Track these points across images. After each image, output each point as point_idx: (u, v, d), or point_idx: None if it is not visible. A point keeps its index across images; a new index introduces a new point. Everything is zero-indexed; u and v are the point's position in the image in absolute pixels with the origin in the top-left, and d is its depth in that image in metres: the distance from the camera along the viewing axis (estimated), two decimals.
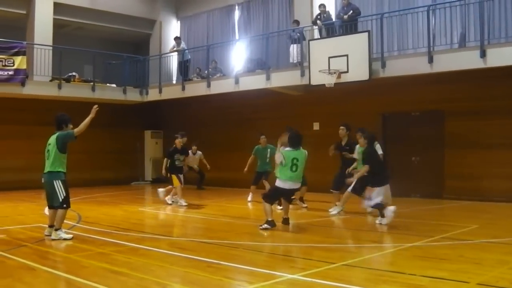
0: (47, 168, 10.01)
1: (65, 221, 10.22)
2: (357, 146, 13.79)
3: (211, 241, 10.03)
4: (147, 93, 24.72)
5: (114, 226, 11.56)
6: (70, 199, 10.07)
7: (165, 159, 16.54)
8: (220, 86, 21.73)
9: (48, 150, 10.06)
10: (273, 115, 21.15)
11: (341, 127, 14.85)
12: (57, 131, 10.22)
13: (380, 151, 14.22)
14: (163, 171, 16.51)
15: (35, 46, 21.75)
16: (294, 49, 20.26)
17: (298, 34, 20.03)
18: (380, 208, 11.76)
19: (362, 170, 12.26)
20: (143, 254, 8.79)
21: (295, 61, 20.16)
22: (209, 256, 8.23)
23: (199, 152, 21.55)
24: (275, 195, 12.11)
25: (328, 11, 19.67)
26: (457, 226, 11.43)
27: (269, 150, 16.68)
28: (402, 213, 14.39)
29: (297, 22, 20.81)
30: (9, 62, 20.30)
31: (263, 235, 11.00)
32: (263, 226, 11.30)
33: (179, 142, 16.30)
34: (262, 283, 6.63)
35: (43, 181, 10.09)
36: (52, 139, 10.09)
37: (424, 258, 8.42)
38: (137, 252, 8.98)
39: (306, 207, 15.51)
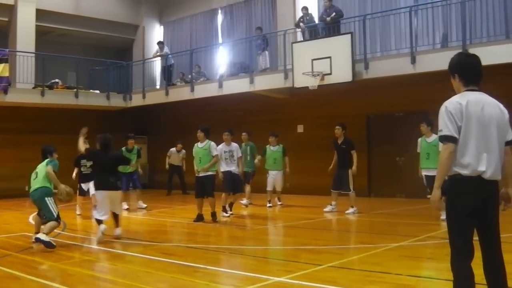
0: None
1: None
2: (420, 139, 13.35)
3: (198, 245, 10.02)
4: (130, 99, 24.66)
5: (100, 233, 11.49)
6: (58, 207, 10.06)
7: (75, 167, 15.45)
8: (203, 90, 21.72)
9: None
10: (258, 118, 21.16)
11: (337, 127, 14.77)
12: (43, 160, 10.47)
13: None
14: (73, 176, 15.39)
15: (17, 53, 21.63)
16: (261, 57, 20.59)
17: (259, 41, 20.57)
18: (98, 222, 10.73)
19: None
20: (130, 261, 8.76)
21: (263, 68, 20.36)
22: (195, 261, 8.21)
23: (183, 151, 21.59)
24: None
25: (311, 14, 19.71)
26: (443, 225, 11.46)
27: (249, 147, 16.70)
28: (388, 214, 14.44)
29: (260, 29, 21.01)
30: None
31: (249, 239, 11.01)
32: None
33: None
34: (249, 287, 6.61)
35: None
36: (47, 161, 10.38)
37: (411, 258, 8.45)
38: (123, 258, 8.94)
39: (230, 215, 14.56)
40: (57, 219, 9.84)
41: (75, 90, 23.04)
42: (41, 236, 9.48)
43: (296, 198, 18.45)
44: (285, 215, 14.95)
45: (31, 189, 10.18)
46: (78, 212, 15.44)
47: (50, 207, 9.85)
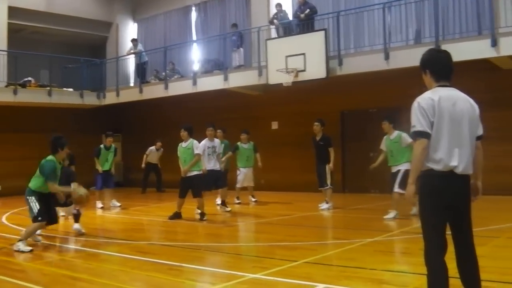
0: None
1: (22, 228, 10.14)
2: (385, 137, 12.87)
3: (173, 243, 10.00)
4: (104, 97, 24.50)
5: (74, 232, 11.42)
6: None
7: None
8: (178, 88, 21.67)
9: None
10: (232, 115, 21.15)
11: (316, 123, 14.68)
12: (52, 154, 9.87)
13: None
14: None
15: None
16: (236, 53, 20.57)
17: (234, 37, 20.58)
18: None
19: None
20: (105, 260, 8.73)
21: (237, 64, 20.36)
22: (170, 259, 8.19)
23: (162, 149, 21.61)
24: None
25: (285, 10, 19.77)
26: (416, 220, 11.54)
27: (223, 145, 16.22)
28: (362, 209, 14.52)
29: (235, 25, 21.00)
30: None
31: (224, 236, 11.03)
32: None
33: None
34: (224, 284, 6.62)
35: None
36: (42, 162, 9.74)
37: (385, 253, 8.52)
38: (98, 257, 8.90)
39: (229, 210, 14.88)
40: (37, 218, 9.51)
41: (48, 88, 22.82)
42: (14, 246, 9.34)
43: (271, 194, 18.47)
44: (260, 212, 14.95)
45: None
46: (61, 214, 14.91)
47: (31, 205, 9.59)
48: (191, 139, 13.17)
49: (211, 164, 14.38)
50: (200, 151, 13.25)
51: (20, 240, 9.37)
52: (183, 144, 13.24)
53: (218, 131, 16.17)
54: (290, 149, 19.85)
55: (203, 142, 14.17)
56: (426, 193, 4.76)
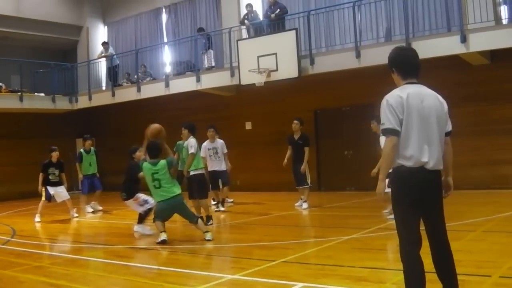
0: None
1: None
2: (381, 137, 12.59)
3: (150, 247, 9.96)
4: (76, 101, 24.32)
5: (51, 238, 11.37)
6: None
7: (41, 173, 14.71)
8: (150, 90, 21.60)
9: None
10: (206, 116, 21.07)
11: (295, 121, 14.60)
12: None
13: None
14: (39, 187, 14.66)
15: None
16: (205, 56, 20.53)
17: (204, 40, 20.55)
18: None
19: None
20: (82, 265, 8.68)
21: (207, 66, 20.33)
22: (148, 262, 8.20)
23: None
24: None
25: (255, 11, 19.81)
26: (391, 217, 11.60)
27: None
28: (338, 207, 14.60)
29: (202, 29, 20.98)
30: None
31: (201, 237, 11.02)
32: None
33: (56, 155, 14.99)
34: (203, 286, 6.61)
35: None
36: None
37: (363, 250, 8.56)
38: (76, 263, 8.84)
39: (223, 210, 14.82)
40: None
41: (19, 93, 22.63)
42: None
43: (246, 195, 18.47)
44: (236, 212, 14.95)
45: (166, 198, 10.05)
46: (37, 220, 14.56)
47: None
48: (190, 137, 12.46)
49: (213, 166, 14.53)
50: (194, 150, 12.29)
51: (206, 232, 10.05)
52: (184, 143, 12.86)
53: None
54: (264, 149, 19.87)
55: (204, 144, 14.33)
56: (398, 189, 4.83)
